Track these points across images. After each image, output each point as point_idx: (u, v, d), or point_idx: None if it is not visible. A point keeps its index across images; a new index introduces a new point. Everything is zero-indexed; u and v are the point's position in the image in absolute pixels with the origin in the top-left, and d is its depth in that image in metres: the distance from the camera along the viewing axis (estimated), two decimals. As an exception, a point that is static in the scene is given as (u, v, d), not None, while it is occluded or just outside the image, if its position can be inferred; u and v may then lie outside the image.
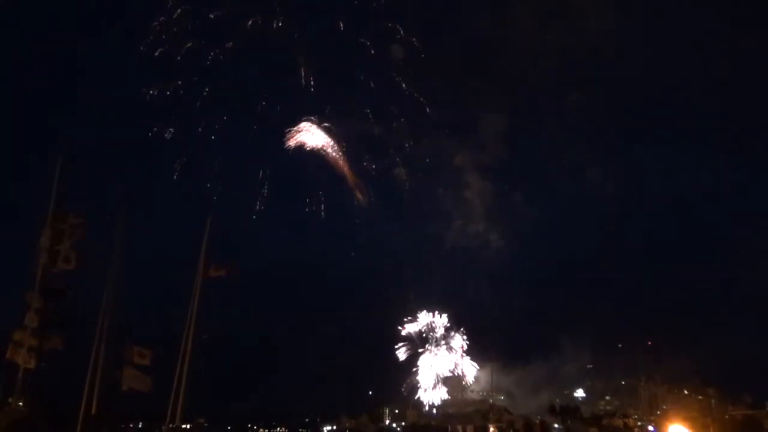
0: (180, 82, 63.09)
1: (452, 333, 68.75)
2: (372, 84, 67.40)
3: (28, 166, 57.16)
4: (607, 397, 69.42)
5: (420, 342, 68.96)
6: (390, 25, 65.67)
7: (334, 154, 68.13)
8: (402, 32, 65.80)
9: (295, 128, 67.05)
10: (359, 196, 69.08)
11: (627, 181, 68.00)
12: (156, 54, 62.29)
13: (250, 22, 63.73)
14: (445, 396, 66.79)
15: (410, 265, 68.64)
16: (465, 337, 68.40)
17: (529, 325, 66.75)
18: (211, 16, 62.65)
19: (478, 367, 68.16)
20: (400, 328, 69.75)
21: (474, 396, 66.89)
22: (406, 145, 70.04)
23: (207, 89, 63.89)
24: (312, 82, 65.80)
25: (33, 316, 22.16)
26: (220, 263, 24.39)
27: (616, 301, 64.14)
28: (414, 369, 68.61)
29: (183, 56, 63.37)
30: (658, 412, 63.07)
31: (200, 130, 65.03)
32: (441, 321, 68.79)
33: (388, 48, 66.12)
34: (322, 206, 69.09)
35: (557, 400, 63.65)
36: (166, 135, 64.07)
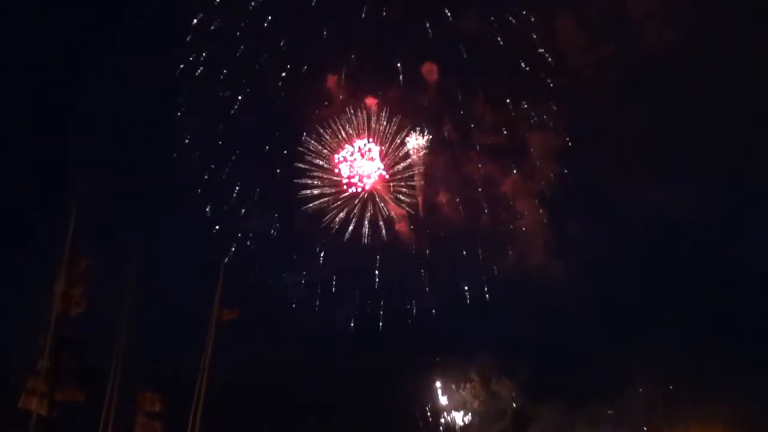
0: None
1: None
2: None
3: (42, 206, 57.12)
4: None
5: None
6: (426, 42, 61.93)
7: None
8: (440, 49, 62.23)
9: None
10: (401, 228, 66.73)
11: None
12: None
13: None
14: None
15: (455, 302, 65.49)
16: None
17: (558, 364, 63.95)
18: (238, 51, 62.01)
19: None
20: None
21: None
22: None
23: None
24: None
25: (46, 362, 21.98)
26: (230, 307, 24.47)
27: (640, 339, 61.54)
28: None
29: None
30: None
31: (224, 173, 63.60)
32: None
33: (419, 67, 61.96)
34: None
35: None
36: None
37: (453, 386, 65.30)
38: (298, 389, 61.74)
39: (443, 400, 65.39)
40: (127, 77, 60.26)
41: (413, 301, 65.43)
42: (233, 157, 62.00)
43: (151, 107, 62.74)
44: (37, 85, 60.84)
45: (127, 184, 58.08)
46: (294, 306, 65.14)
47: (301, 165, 63.66)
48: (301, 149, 63.63)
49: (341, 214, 64.47)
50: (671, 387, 59.02)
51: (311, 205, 63.90)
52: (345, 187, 64.81)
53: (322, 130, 63.63)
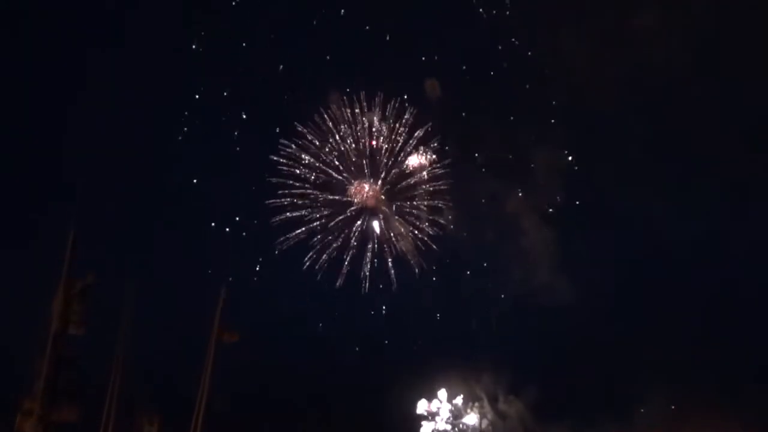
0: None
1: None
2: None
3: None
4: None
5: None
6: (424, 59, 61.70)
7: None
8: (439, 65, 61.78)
9: None
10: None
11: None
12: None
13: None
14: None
15: (457, 322, 64.76)
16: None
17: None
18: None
19: None
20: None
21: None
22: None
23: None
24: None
25: (42, 383, 21.65)
26: (232, 328, 24.14)
27: (640, 359, 61.04)
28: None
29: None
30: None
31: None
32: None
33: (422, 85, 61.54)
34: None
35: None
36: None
37: (460, 403, 65.26)
38: (298, 389, 61.81)
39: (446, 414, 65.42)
40: (127, 79, 60.20)
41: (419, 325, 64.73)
42: (233, 178, 61.75)
43: (152, 108, 62.58)
44: (37, 85, 60.66)
45: (127, 189, 58.09)
46: (297, 318, 64.26)
47: (296, 183, 62.04)
48: (291, 165, 62.10)
49: (336, 243, 62.70)
50: (673, 407, 58.77)
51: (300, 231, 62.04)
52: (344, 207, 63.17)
53: (317, 142, 62.29)
